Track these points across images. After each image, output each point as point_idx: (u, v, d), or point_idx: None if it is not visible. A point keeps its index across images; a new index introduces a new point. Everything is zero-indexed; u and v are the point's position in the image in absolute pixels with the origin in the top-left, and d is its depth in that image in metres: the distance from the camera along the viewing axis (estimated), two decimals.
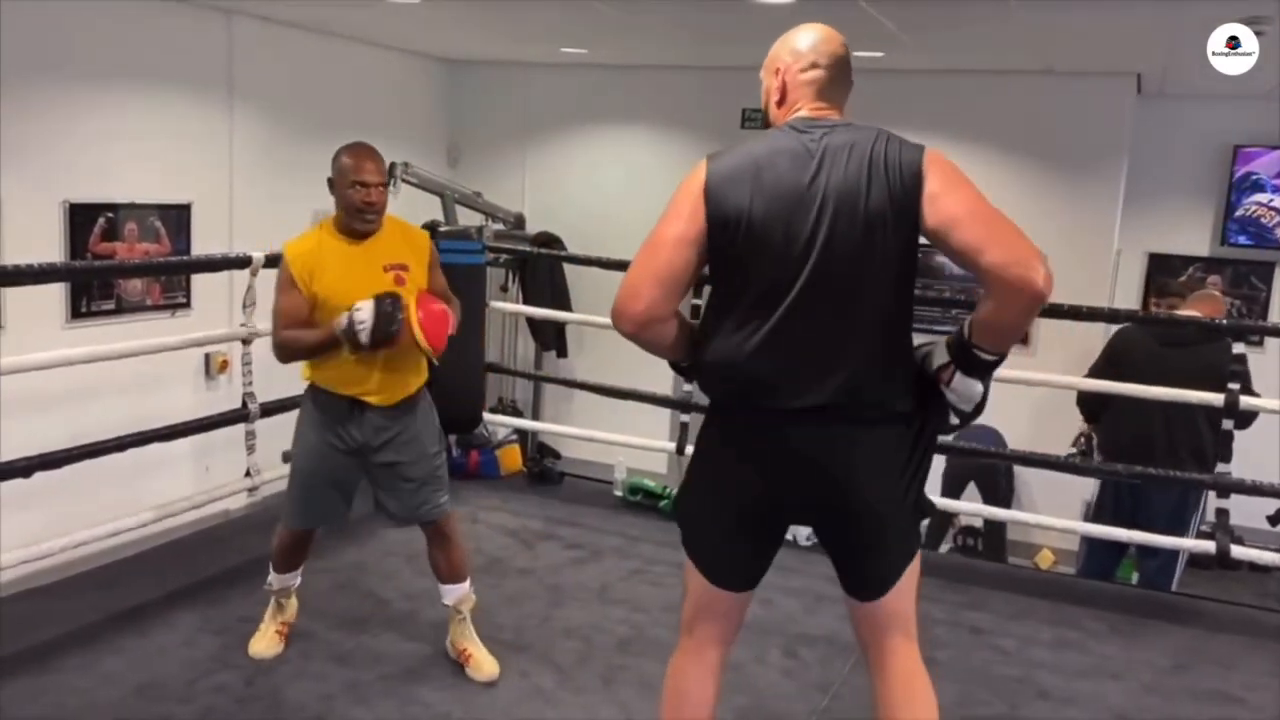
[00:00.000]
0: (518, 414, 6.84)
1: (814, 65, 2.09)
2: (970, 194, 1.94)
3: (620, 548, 4.29)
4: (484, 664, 3.16)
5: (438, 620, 3.50)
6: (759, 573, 2.20)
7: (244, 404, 4.06)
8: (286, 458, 3.27)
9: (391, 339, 2.81)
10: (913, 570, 2.13)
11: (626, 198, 7.39)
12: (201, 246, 5.74)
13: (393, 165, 6.49)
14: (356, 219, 2.92)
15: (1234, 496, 3.92)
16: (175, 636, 3.30)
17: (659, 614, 3.60)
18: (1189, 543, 4.15)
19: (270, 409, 4.14)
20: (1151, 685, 3.36)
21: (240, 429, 4.12)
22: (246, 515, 4.55)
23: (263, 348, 4.19)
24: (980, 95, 6.55)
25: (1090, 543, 4.87)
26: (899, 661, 2.13)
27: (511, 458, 5.29)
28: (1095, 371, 4.67)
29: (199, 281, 5.78)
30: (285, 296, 2.92)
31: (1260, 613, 4.18)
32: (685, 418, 4.77)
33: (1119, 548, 4.76)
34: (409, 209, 6.48)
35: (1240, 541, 4.08)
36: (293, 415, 4.37)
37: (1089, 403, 4.88)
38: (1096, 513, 4.92)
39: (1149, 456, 4.22)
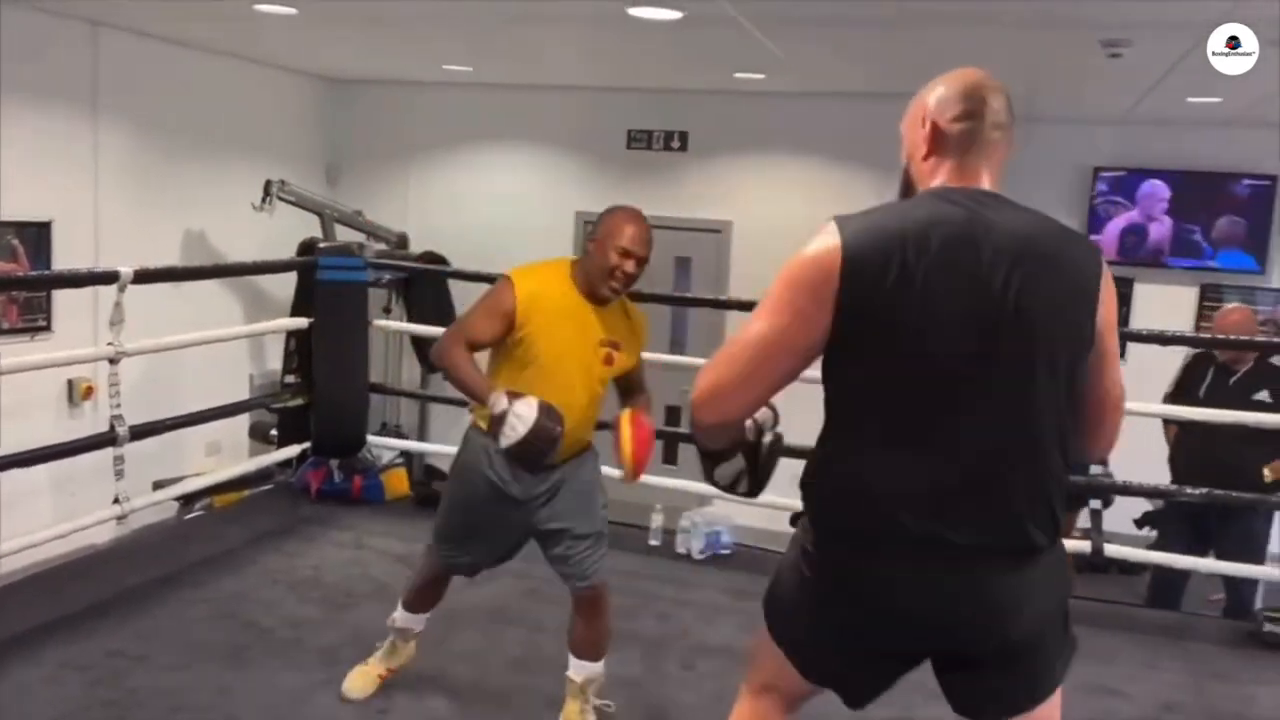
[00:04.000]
0: (403, 437, 6.67)
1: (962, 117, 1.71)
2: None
3: (514, 568, 4.20)
4: None
5: (324, 647, 3.38)
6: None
7: (111, 427, 3.84)
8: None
9: (533, 463, 2.58)
10: None
11: (513, 218, 7.35)
12: (64, 266, 5.45)
13: (269, 183, 6.31)
14: (603, 284, 2.68)
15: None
16: (38, 672, 3.09)
17: (555, 632, 3.54)
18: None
19: (140, 432, 3.94)
20: None
21: (108, 456, 3.90)
22: (116, 546, 4.33)
23: (131, 368, 4.02)
24: (860, 117, 6.73)
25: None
26: None
27: (398, 481, 5.16)
28: None
29: (61, 302, 5.49)
30: (487, 321, 2.68)
31: (1134, 609, 4.36)
32: None
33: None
34: (287, 227, 6.33)
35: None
36: (165, 439, 4.24)
37: None
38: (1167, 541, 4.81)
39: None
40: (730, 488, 1.93)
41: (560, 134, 7.36)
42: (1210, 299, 6.76)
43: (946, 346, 1.60)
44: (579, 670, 2.87)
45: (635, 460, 2.63)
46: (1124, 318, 6.96)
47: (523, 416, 2.49)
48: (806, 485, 1.76)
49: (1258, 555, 4.46)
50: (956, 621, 1.70)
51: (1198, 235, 6.82)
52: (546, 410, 2.52)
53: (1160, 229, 6.89)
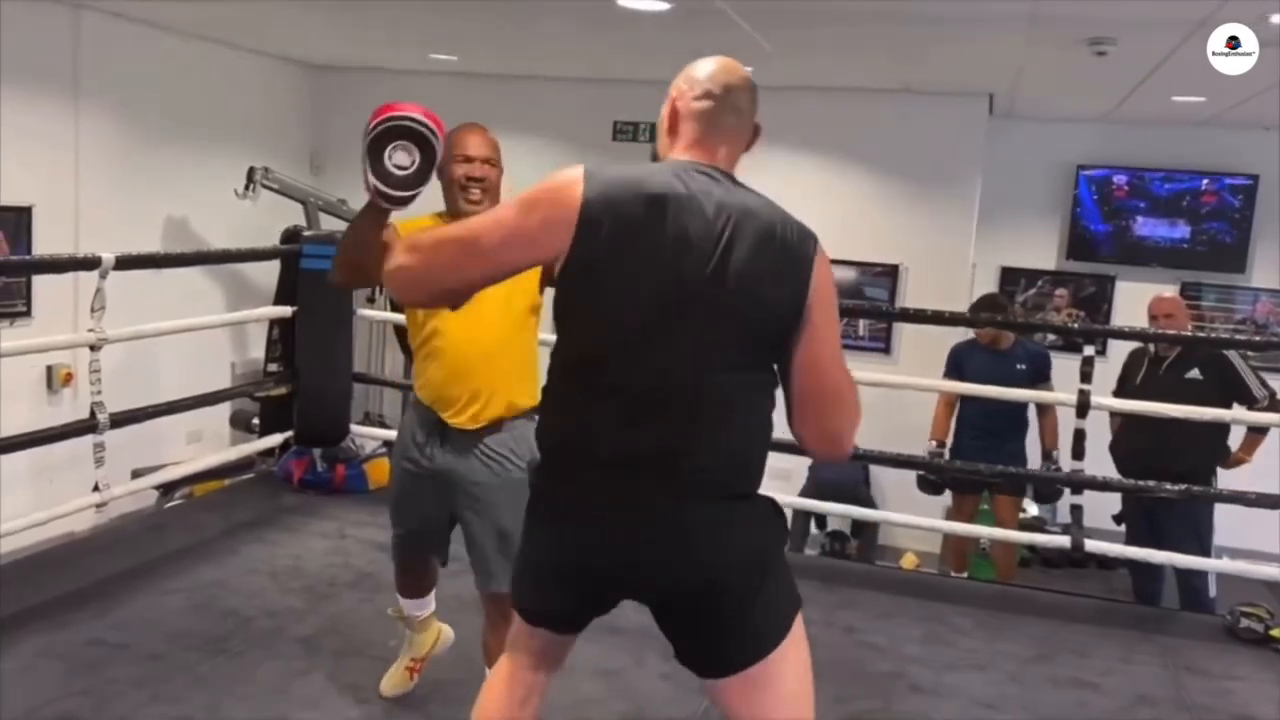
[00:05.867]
0: (386, 427, 6.66)
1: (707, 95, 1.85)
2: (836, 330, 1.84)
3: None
4: None
5: (304, 636, 3.37)
6: None
7: (92, 414, 3.82)
8: None
9: (383, 141, 2.30)
10: None
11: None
12: (44, 252, 5.39)
13: (252, 170, 6.28)
14: (460, 199, 2.59)
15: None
16: (14, 663, 3.06)
17: None
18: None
19: (120, 420, 3.91)
20: (1015, 675, 3.48)
21: (88, 444, 3.88)
22: (95, 535, 4.31)
23: (110, 355, 3.99)
24: (845, 112, 6.75)
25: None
26: None
27: (380, 471, 5.13)
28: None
29: (41, 288, 5.44)
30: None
31: (1110, 604, 4.40)
32: None
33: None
34: (270, 215, 6.30)
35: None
36: (146, 427, 4.21)
37: None
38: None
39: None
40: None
41: (546, 125, 7.33)
42: (1191, 297, 6.81)
43: (638, 299, 1.72)
44: None
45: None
46: (1105, 315, 7.02)
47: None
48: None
49: (1202, 537, 4.58)
50: (604, 542, 1.78)
51: (1179, 234, 6.87)
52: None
53: (1142, 227, 6.94)
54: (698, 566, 1.76)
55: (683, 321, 1.72)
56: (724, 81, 1.85)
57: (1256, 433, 4.63)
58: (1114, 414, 4.78)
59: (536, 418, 1.92)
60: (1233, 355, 4.57)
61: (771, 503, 1.85)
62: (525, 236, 1.76)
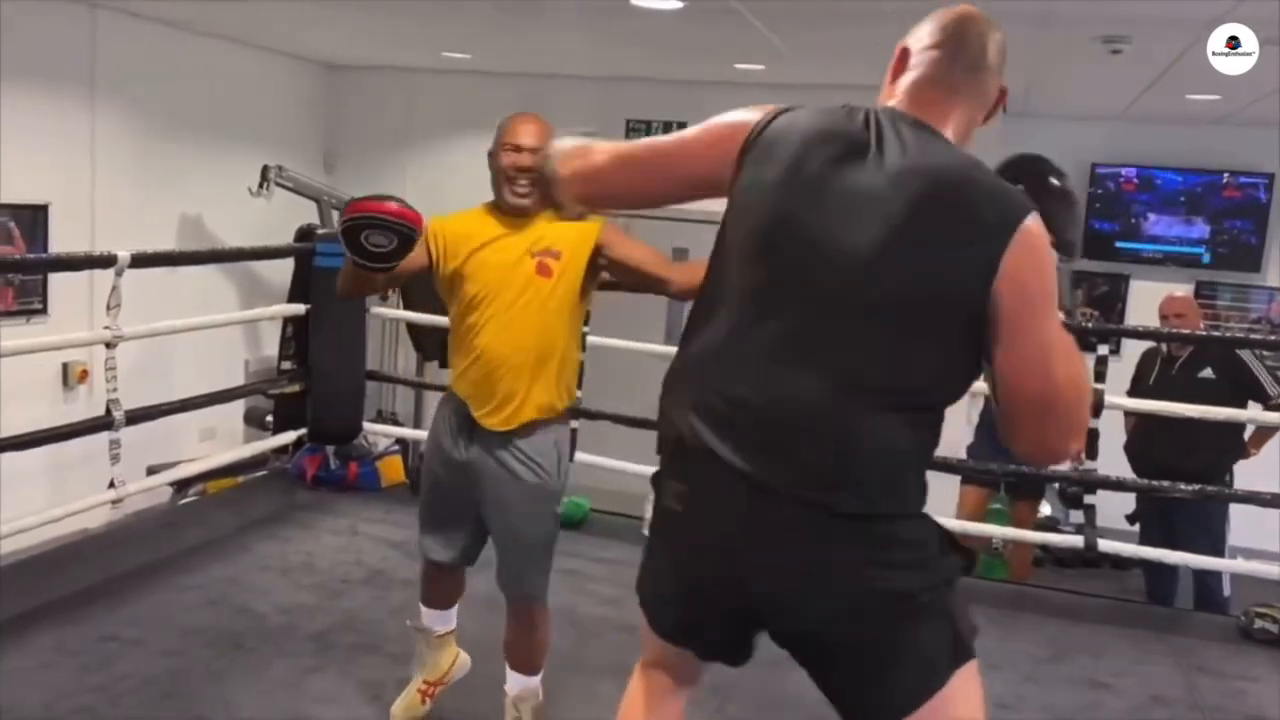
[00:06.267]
0: (398, 424, 6.67)
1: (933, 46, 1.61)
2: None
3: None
4: None
5: (317, 633, 3.39)
6: None
7: (107, 411, 3.84)
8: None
9: (360, 230, 2.33)
10: None
11: None
12: (60, 249, 5.42)
13: (266, 168, 6.30)
14: (506, 190, 2.51)
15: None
16: (29, 659, 3.09)
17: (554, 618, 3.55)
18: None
19: (135, 417, 3.93)
20: (1030, 674, 3.48)
21: (103, 440, 3.90)
22: (109, 531, 4.33)
23: (127, 353, 4.01)
24: None
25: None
26: None
27: (393, 469, 5.16)
28: None
29: (57, 286, 5.48)
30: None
31: (1123, 604, 4.38)
32: (575, 424, 4.74)
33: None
34: (284, 213, 6.32)
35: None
36: (160, 424, 4.23)
37: None
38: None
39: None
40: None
41: (559, 122, 7.11)
42: (1205, 296, 6.78)
43: (785, 259, 1.50)
44: (512, 684, 2.69)
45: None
46: (1119, 314, 6.98)
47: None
48: None
49: (1216, 537, 4.56)
50: (732, 559, 1.53)
51: (1194, 232, 6.83)
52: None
53: (1156, 226, 6.90)
54: (827, 598, 1.50)
55: (827, 304, 1.48)
56: (960, 32, 1.59)
57: (1267, 427, 4.62)
58: (1128, 414, 4.77)
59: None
60: (1245, 354, 4.55)
61: (938, 529, 1.57)
62: (695, 149, 1.67)
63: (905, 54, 1.63)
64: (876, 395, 1.47)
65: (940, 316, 1.47)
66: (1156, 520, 4.70)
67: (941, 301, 1.46)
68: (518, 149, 2.50)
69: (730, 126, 1.62)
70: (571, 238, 2.51)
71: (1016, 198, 1.49)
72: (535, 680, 2.72)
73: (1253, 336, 5.74)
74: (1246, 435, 4.73)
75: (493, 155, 2.57)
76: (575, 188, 1.81)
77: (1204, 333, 4.66)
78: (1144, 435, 4.78)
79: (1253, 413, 4.36)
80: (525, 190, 2.48)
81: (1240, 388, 4.49)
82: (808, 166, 1.51)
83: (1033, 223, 1.45)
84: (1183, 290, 5.79)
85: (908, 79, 1.61)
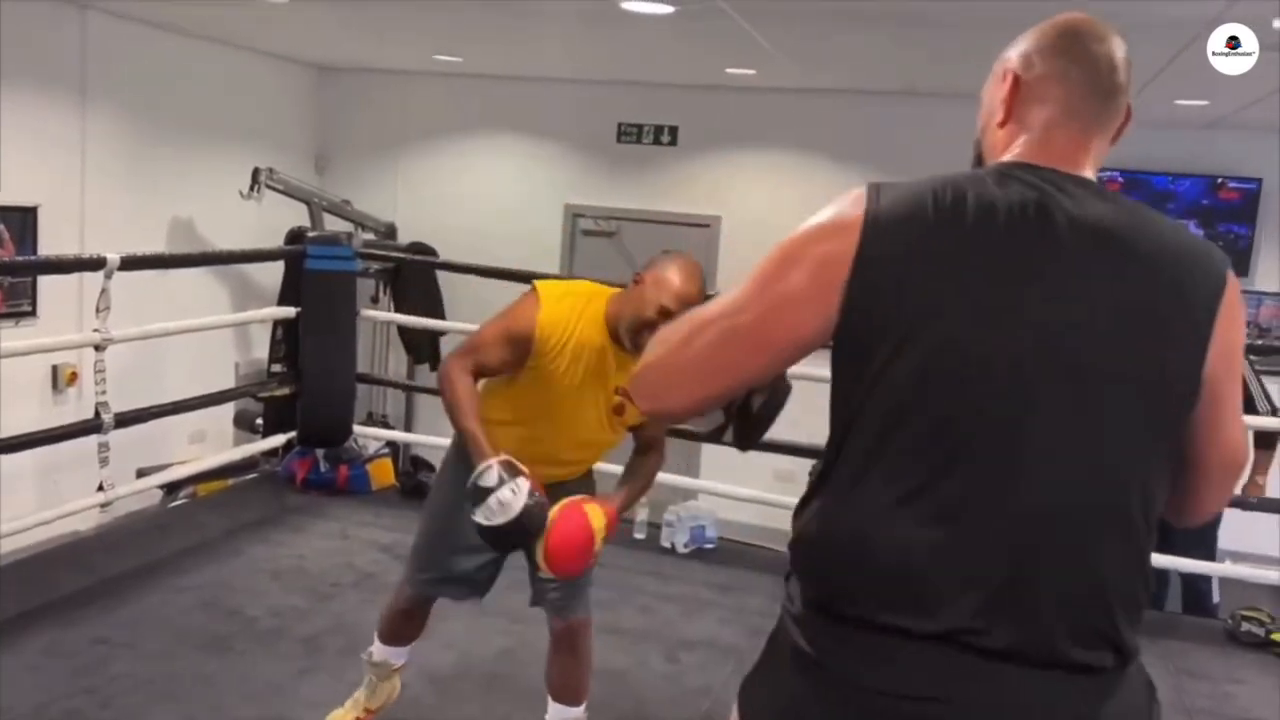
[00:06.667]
0: (389, 427, 6.68)
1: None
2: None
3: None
4: None
5: (307, 636, 3.39)
6: None
7: (97, 414, 3.83)
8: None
9: (501, 548, 2.34)
10: None
11: (501, 209, 7.35)
12: (50, 251, 5.43)
13: (257, 171, 6.30)
14: (632, 336, 2.30)
15: None
16: (19, 661, 3.08)
17: (537, 625, 3.55)
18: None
19: (125, 420, 3.93)
20: None
21: (92, 443, 3.89)
22: (99, 534, 4.32)
23: (115, 356, 4.01)
24: (849, 114, 6.76)
25: None
26: None
27: (383, 472, 5.15)
28: None
29: (46, 288, 5.47)
30: (500, 346, 2.38)
31: None
32: None
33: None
34: (275, 216, 6.32)
35: None
36: (150, 426, 4.23)
37: None
38: None
39: None
40: (711, 437, 1.50)
41: (550, 126, 7.35)
42: None
43: (968, 372, 1.16)
44: (556, 715, 2.65)
45: (548, 556, 2.25)
46: None
47: (506, 505, 2.18)
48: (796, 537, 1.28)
49: (1209, 546, 4.54)
50: None
51: None
52: (536, 501, 2.21)
53: None
54: None
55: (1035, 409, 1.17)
56: (1084, 53, 1.26)
57: (1264, 448, 4.52)
58: None
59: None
60: (1245, 366, 4.51)
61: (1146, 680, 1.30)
62: (790, 297, 1.21)
63: (1018, 85, 1.28)
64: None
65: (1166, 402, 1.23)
66: None
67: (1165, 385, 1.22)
68: (666, 313, 2.19)
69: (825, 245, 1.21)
70: None
71: (1215, 251, 1.29)
72: (581, 710, 2.67)
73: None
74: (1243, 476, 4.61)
75: (640, 285, 2.32)
76: (647, 406, 1.38)
77: None
78: None
79: (1245, 418, 4.33)
80: (648, 340, 2.36)
81: None
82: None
83: (1232, 276, 1.27)
84: None
85: (1034, 119, 1.26)
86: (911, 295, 1.17)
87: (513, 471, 2.22)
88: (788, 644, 1.25)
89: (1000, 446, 1.16)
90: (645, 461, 2.54)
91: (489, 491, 2.19)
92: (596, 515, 2.28)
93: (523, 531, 2.21)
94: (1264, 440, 4.53)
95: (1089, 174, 1.25)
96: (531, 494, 2.21)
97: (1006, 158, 1.26)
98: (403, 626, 2.75)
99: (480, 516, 2.20)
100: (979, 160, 1.34)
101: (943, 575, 1.15)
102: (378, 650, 2.78)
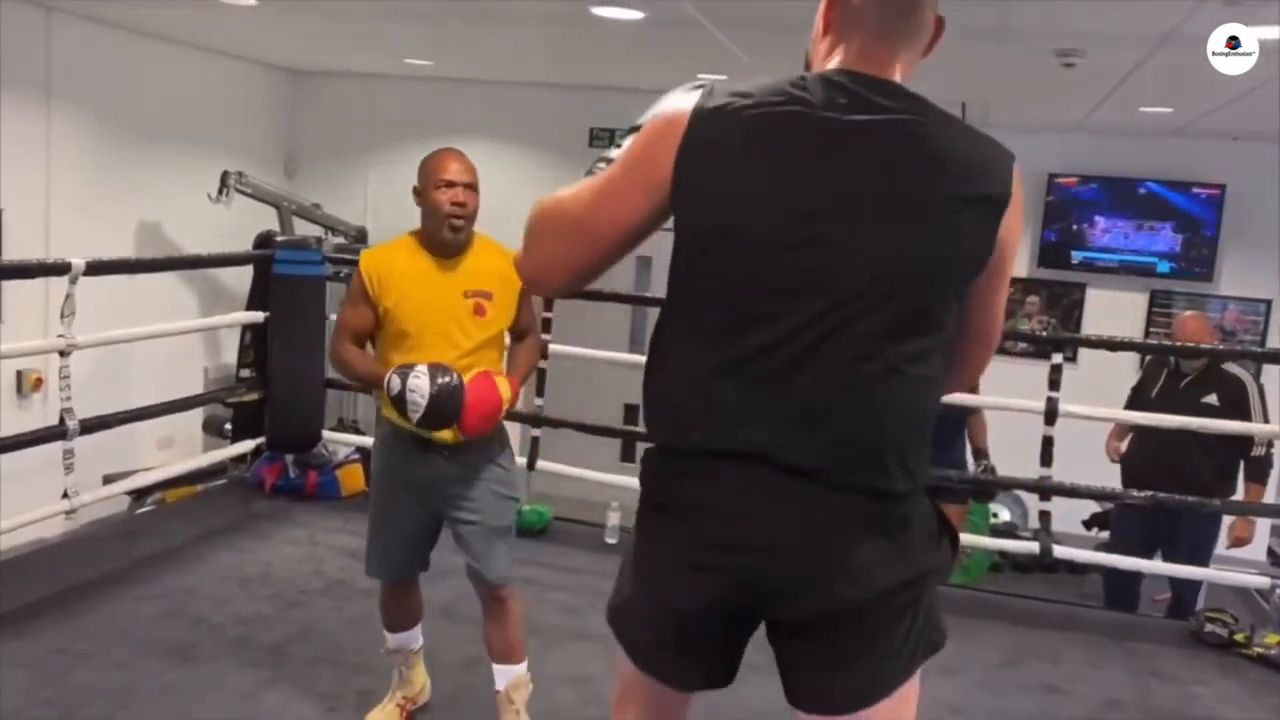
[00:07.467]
0: (358, 433, 6.63)
1: None
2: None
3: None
4: None
5: (273, 644, 3.36)
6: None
7: (61, 420, 3.79)
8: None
9: (449, 420, 2.52)
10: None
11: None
12: (14, 256, 5.34)
13: (226, 174, 6.25)
14: (443, 226, 2.59)
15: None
16: None
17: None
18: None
19: (91, 426, 3.88)
20: (983, 681, 3.50)
21: (57, 449, 3.84)
22: (64, 541, 4.27)
23: (81, 361, 3.96)
24: None
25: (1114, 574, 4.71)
26: None
27: (353, 478, 5.11)
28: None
29: (10, 293, 5.39)
30: (350, 308, 2.67)
31: (1080, 609, 4.44)
32: (536, 432, 4.76)
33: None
34: (244, 220, 6.27)
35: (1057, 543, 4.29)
36: (118, 432, 4.18)
37: None
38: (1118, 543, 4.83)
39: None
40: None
41: (522, 131, 7.34)
42: (1160, 305, 6.90)
43: (769, 239, 1.37)
44: (501, 678, 2.78)
45: (465, 416, 2.52)
46: (1075, 323, 7.08)
47: (417, 388, 2.47)
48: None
49: (1204, 557, 4.54)
50: (770, 558, 1.40)
51: (1149, 243, 6.95)
52: (437, 370, 2.50)
53: (1112, 236, 7.01)
54: (843, 583, 1.41)
55: (821, 296, 1.37)
56: None
57: (1255, 480, 4.52)
58: (1119, 424, 4.76)
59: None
60: (1253, 395, 4.44)
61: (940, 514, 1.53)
62: (627, 179, 1.45)
63: (833, 3, 1.46)
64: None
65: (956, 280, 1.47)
66: (1138, 529, 4.60)
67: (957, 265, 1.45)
68: (450, 184, 2.59)
69: (656, 137, 1.45)
70: (497, 279, 2.64)
71: (1001, 150, 1.50)
72: (522, 668, 2.80)
73: (1234, 348, 5.82)
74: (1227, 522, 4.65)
75: (421, 193, 2.64)
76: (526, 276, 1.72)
77: (1168, 343, 4.64)
78: (1145, 449, 4.66)
79: (1237, 424, 4.27)
80: (460, 226, 2.63)
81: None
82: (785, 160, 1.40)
83: (1018, 171, 1.49)
84: (1142, 298, 5.79)
85: (846, 35, 1.44)
86: (715, 182, 1.38)
87: (407, 369, 2.51)
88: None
89: (786, 309, 1.37)
90: (522, 346, 2.84)
91: (401, 396, 2.48)
92: (503, 384, 2.63)
93: (446, 400, 2.48)
94: (1255, 473, 4.50)
95: (896, 78, 1.43)
96: (430, 367, 2.50)
97: (830, 66, 1.45)
98: (396, 613, 2.88)
99: (412, 414, 2.49)
100: (807, 67, 1.52)
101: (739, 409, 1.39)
102: (390, 639, 2.90)
